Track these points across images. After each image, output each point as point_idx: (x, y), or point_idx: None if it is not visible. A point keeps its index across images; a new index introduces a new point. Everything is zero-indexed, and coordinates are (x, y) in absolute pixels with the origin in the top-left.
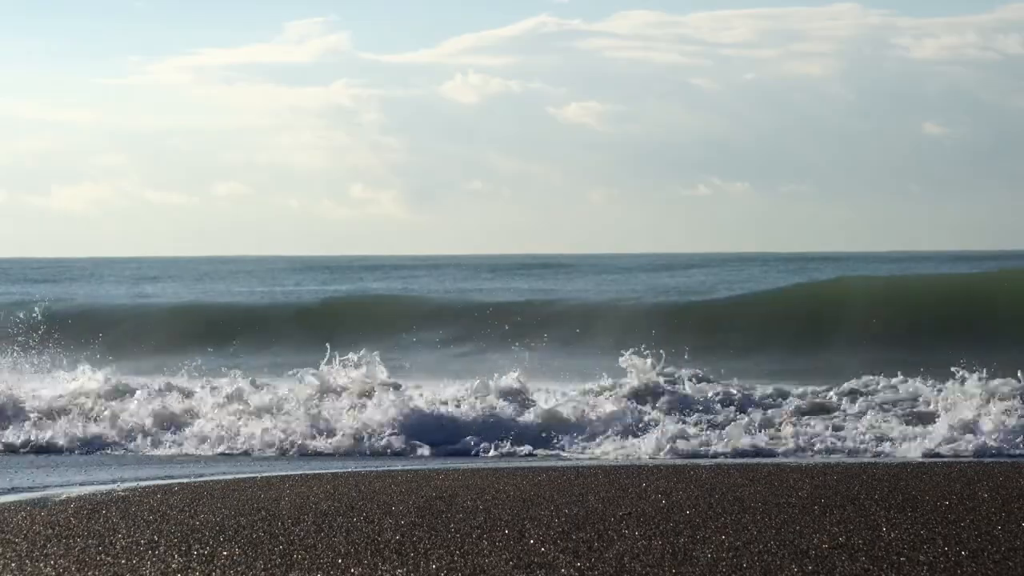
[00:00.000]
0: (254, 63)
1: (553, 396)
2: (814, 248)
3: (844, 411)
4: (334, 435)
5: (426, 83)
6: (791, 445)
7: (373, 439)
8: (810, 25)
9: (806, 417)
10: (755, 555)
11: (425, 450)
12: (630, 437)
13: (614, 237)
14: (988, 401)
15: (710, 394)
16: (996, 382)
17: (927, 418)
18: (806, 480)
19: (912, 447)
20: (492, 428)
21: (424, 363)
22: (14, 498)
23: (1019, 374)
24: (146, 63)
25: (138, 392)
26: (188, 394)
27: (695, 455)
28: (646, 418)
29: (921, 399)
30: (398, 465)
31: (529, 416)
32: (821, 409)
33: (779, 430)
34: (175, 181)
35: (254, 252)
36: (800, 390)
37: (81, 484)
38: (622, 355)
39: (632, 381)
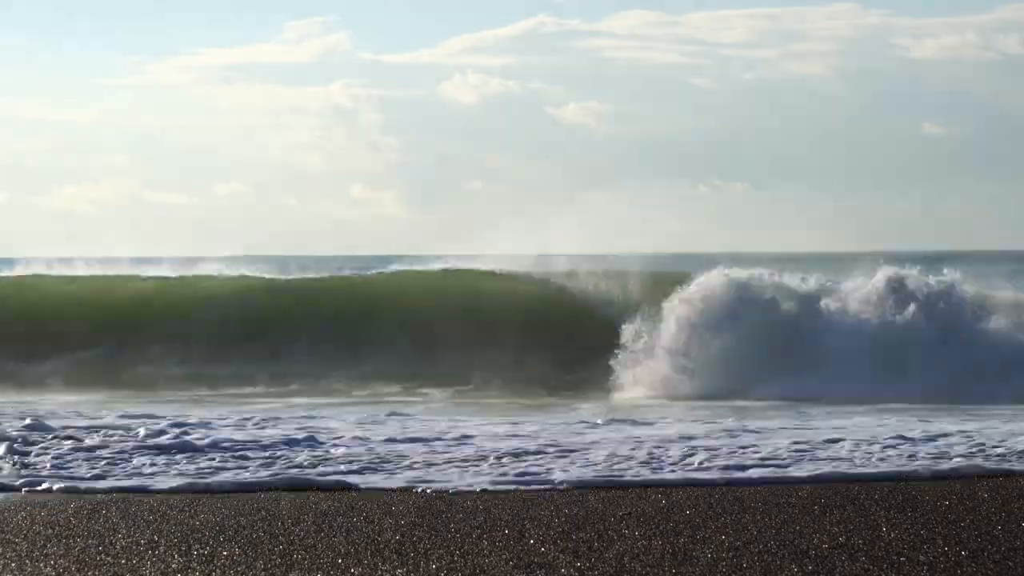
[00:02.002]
0: (254, 63)
1: None
2: (815, 248)
3: None
4: None
5: (425, 83)
6: None
7: None
8: (809, 25)
9: None
10: (755, 555)
11: None
12: None
13: (614, 237)
14: None
15: None
16: None
17: None
18: (807, 480)
19: None
20: None
21: None
22: (14, 497)
23: None
24: (146, 63)
25: None
26: None
27: None
28: None
29: None
30: None
31: None
32: None
33: None
34: (175, 181)
35: (254, 252)
36: None
37: None
38: None
39: None
